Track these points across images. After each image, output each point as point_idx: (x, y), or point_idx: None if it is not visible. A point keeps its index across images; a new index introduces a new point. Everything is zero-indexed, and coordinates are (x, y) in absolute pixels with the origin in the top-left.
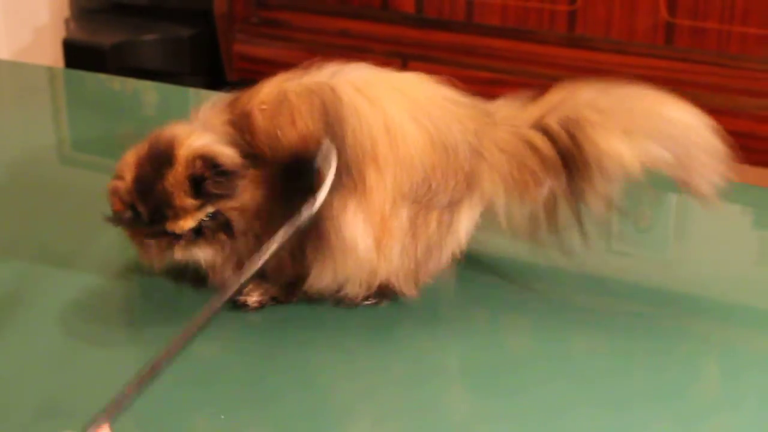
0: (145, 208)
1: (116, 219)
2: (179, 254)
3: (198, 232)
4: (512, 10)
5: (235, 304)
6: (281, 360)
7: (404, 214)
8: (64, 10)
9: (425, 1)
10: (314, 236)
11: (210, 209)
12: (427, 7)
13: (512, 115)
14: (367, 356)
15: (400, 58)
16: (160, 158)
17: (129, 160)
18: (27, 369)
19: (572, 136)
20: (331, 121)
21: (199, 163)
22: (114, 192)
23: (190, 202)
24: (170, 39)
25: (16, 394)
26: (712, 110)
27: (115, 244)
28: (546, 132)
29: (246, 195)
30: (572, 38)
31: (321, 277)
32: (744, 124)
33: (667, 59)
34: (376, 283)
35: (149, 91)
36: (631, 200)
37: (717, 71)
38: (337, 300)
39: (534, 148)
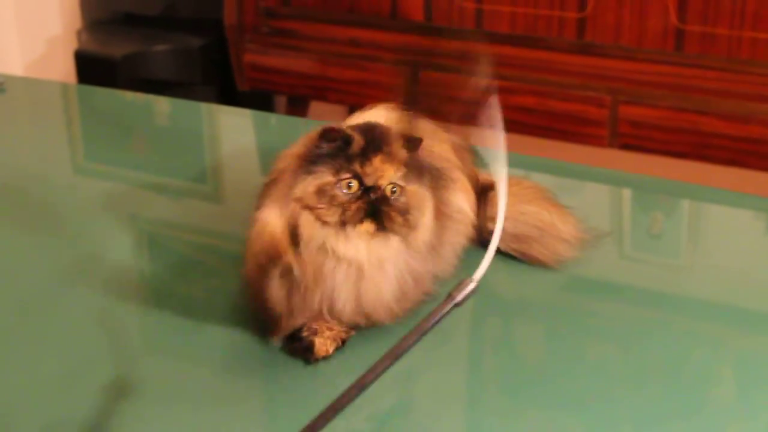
0: (363, 137)
1: (327, 141)
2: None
3: (379, 219)
4: (521, 18)
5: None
6: None
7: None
8: (77, 22)
9: (434, 9)
10: (443, 217)
11: (406, 172)
12: (436, 15)
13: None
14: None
15: (410, 66)
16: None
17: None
18: (37, 383)
19: (487, 189)
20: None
21: (416, 136)
22: (330, 128)
23: (401, 152)
24: (181, 49)
25: (27, 409)
26: (722, 116)
27: (129, 254)
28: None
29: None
30: (582, 45)
31: (451, 243)
32: (755, 129)
33: (677, 65)
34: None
35: (161, 105)
36: (643, 207)
37: (727, 77)
38: None
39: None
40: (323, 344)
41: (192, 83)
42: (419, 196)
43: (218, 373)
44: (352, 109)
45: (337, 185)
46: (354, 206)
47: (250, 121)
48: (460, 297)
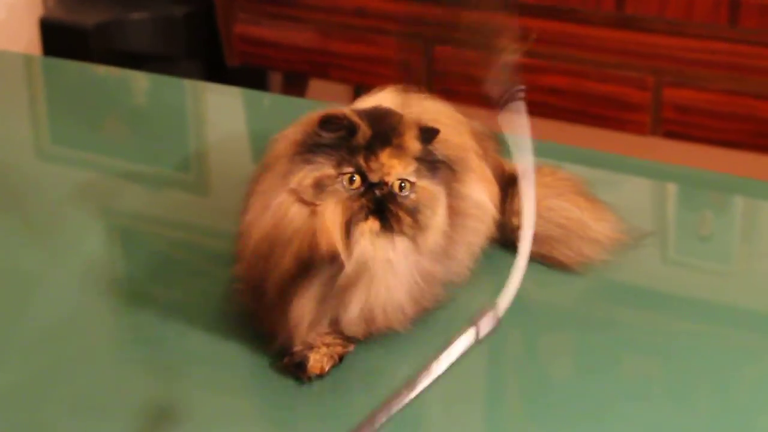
0: (370, 126)
1: (329, 130)
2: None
3: (384, 217)
4: None
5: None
6: None
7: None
8: None
9: None
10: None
11: (418, 167)
12: None
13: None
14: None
15: (422, 41)
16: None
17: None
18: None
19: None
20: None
21: (432, 126)
22: (333, 114)
23: (414, 144)
24: (162, 18)
25: None
26: None
27: (101, 252)
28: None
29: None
30: (621, 18)
31: (467, 243)
32: None
33: (731, 42)
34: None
35: (139, 82)
36: (690, 205)
37: None
38: None
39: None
40: (318, 361)
41: (175, 57)
42: (431, 193)
43: (200, 388)
44: (357, 88)
45: (338, 179)
46: (356, 204)
47: (241, 100)
48: (482, 333)
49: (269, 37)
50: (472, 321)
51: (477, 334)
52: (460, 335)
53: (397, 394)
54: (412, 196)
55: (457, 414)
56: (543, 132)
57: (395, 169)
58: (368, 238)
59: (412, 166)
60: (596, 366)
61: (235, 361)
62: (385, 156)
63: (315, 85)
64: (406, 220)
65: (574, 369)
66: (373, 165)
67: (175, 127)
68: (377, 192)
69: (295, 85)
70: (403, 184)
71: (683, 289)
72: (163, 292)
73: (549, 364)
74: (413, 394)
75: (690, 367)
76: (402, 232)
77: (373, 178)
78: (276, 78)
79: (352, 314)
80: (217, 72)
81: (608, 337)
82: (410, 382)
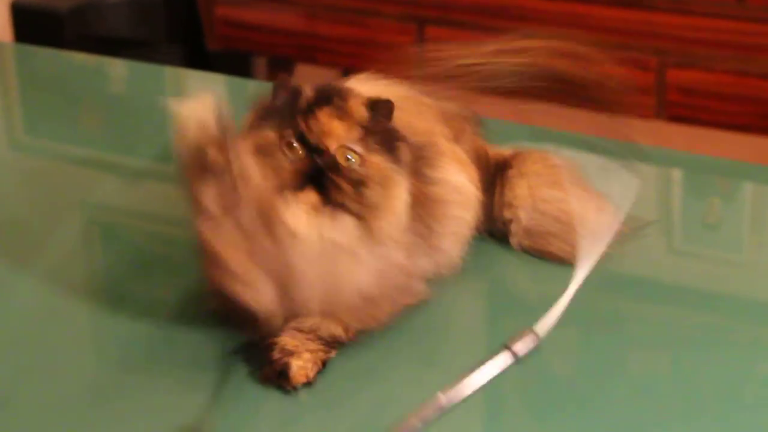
0: (315, 92)
1: (277, 94)
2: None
3: (324, 188)
4: None
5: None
6: None
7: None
8: None
9: None
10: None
11: (367, 137)
12: None
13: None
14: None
15: (416, 21)
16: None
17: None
18: None
19: (504, 166)
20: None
21: (383, 100)
22: (282, 79)
23: (359, 110)
24: (140, 1)
25: None
26: None
27: (76, 247)
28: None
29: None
30: None
31: (453, 233)
32: None
33: (738, 20)
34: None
35: (116, 69)
36: (697, 192)
37: None
38: None
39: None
40: (302, 368)
41: (154, 41)
42: (384, 171)
43: (184, 393)
44: (345, 72)
45: (280, 146)
46: (291, 168)
47: (224, 87)
48: (521, 352)
49: (253, 20)
50: (507, 345)
51: (514, 355)
52: (493, 358)
53: (419, 412)
54: (360, 170)
55: (459, 414)
56: (539, 116)
57: (335, 131)
58: (306, 211)
59: (356, 133)
60: (600, 363)
61: (219, 363)
62: (323, 115)
63: (302, 69)
64: (348, 190)
65: (577, 366)
66: (312, 124)
67: (155, 116)
68: (318, 160)
69: (280, 70)
70: (349, 156)
71: (690, 280)
72: (142, 289)
73: (549, 360)
74: (441, 413)
75: (699, 362)
76: (345, 208)
77: (312, 139)
78: (261, 63)
79: (309, 293)
80: (199, 57)
81: (611, 332)
82: (435, 402)
